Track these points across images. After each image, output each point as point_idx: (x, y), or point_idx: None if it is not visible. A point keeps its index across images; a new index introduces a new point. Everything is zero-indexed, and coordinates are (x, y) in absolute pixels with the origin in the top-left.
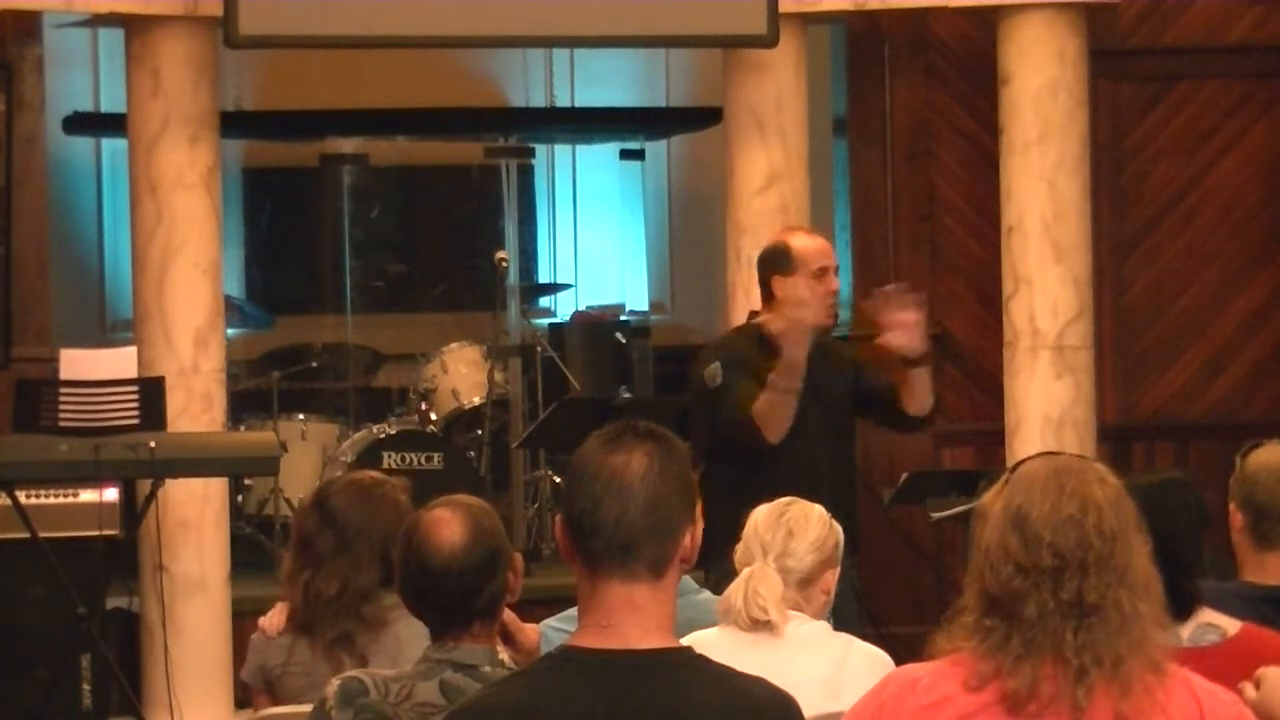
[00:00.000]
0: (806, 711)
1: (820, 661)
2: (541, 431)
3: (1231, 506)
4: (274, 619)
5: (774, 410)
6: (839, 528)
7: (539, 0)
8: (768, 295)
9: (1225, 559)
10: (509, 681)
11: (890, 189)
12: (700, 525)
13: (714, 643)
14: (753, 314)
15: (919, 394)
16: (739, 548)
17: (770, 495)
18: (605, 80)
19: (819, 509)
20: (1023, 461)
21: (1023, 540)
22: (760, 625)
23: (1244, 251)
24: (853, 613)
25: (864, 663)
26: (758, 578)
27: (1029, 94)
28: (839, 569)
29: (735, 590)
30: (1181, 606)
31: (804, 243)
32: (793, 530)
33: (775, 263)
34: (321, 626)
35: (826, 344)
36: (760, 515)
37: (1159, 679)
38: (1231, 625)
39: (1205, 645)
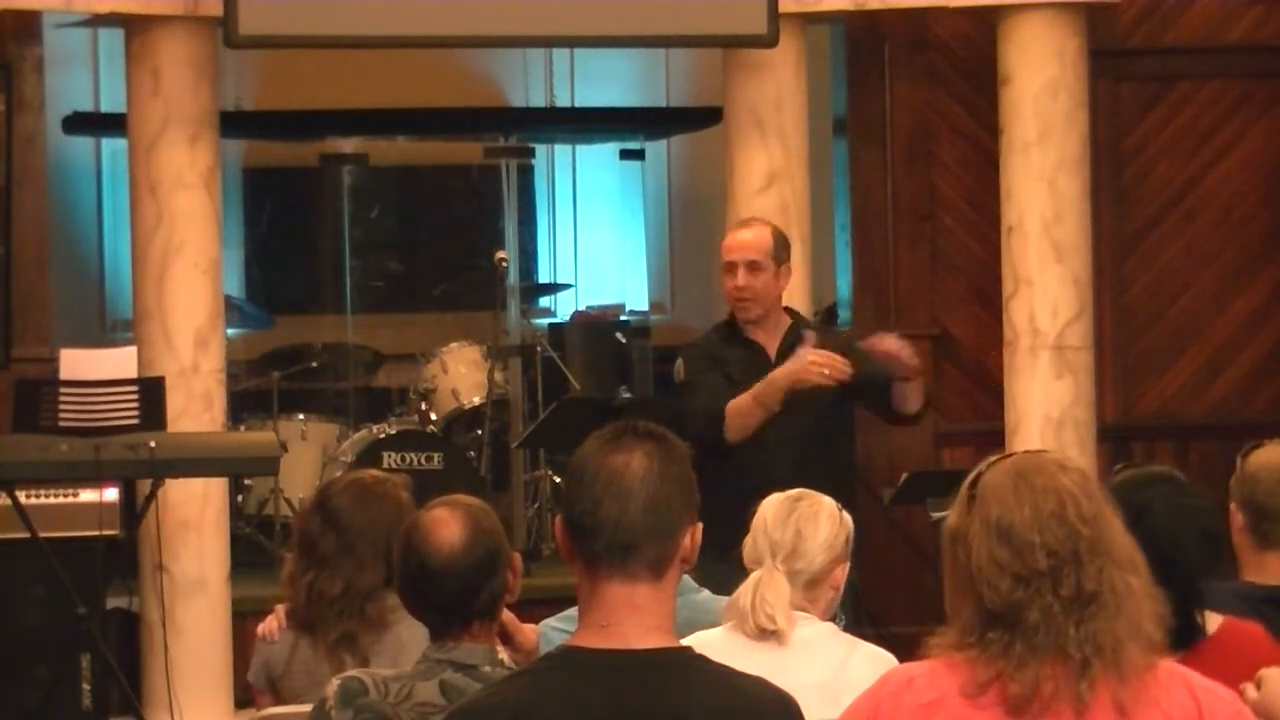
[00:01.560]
0: (805, 717)
1: (821, 666)
2: (541, 431)
3: (1232, 506)
4: (271, 625)
5: (743, 414)
6: (849, 520)
7: (539, 0)
8: None
9: (1228, 560)
10: (509, 681)
11: (890, 189)
12: (700, 525)
13: (715, 644)
14: (731, 311)
15: (910, 400)
16: (746, 541)
17: (742, 490)
18: (605, 80)
19: (829, 503)
20: (976, 478)
21: (1013, 550)
22: (767, 635)
23: (1244, 252)
24: (849, 613)
25: (867, 666)
26: (766, 584)
27: (1029, 94)
28: (849, 563)
29: (744, 594)
30: (1186, 637)
31: (728, 236)
32: (802, 530)
33: None
34: (324, 626)
35: (821, 336)
36: (769, 510)
37: (1154, 662)
38: (1213, 621)
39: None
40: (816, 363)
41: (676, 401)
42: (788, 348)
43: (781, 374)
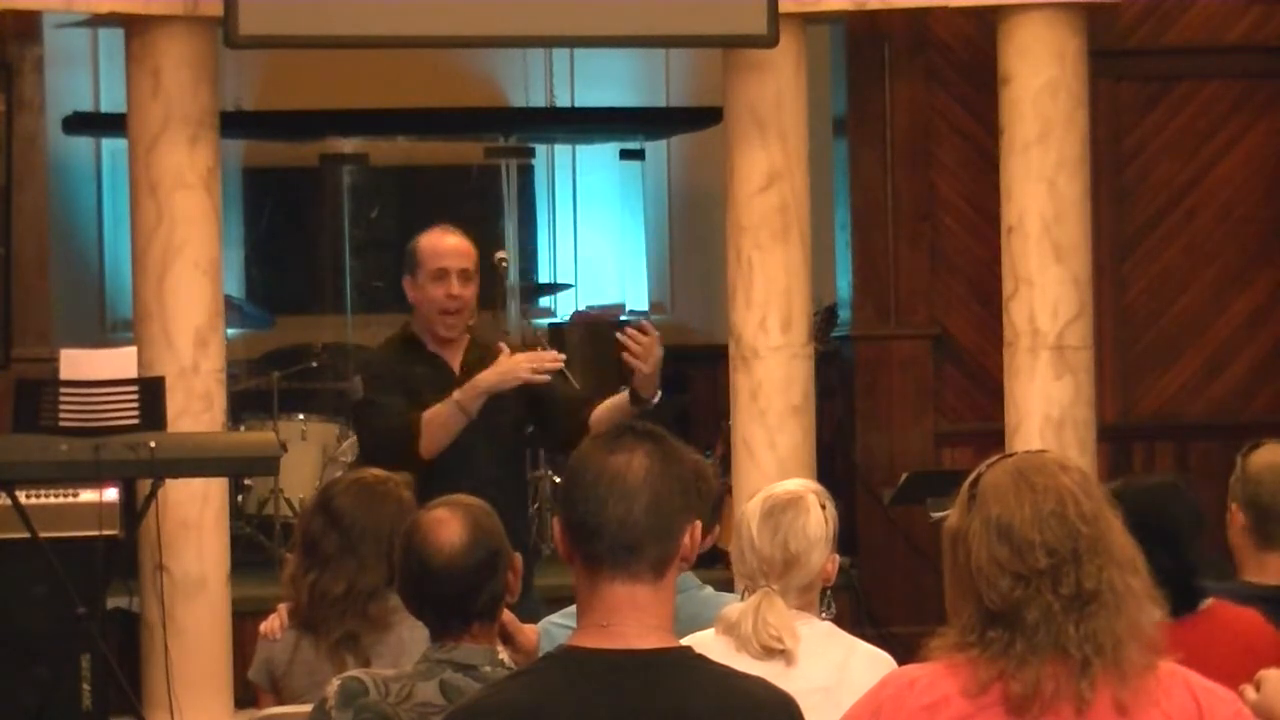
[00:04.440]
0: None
1: (821, 669)
2: None
3: (1233, 507)
4: (274, 623)
5: (443, 424)
6: (832, 509)
7: (539, 0)
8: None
9: (1223, 559)
10: (509, 681)
11: (890, 189)
12: (700, 525)
13: (713, 647)
14: (406, 323)
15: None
16: (733, 550)
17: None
18: (605, 80)
19: (811, 500)
20: (977, 478)
21: (1013, 549)
22: (774, 654)
23: (1244, 251)
24: (850, 614)
25: (866, 667)
26: (766, 608)
27: (1029, 94)
28: (837, 554)
29: (744, 617)
30: (1188, 603)
31: (429, 240)
32: (789, 544)
33: (406, 262)
34: (326, 626)
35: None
36: (753, 522)
37: (1153, 662)
38: (1203, 603)
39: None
40: (523, 362)
41: (360, 421)
42: (473, 362)
43: (486, 377)
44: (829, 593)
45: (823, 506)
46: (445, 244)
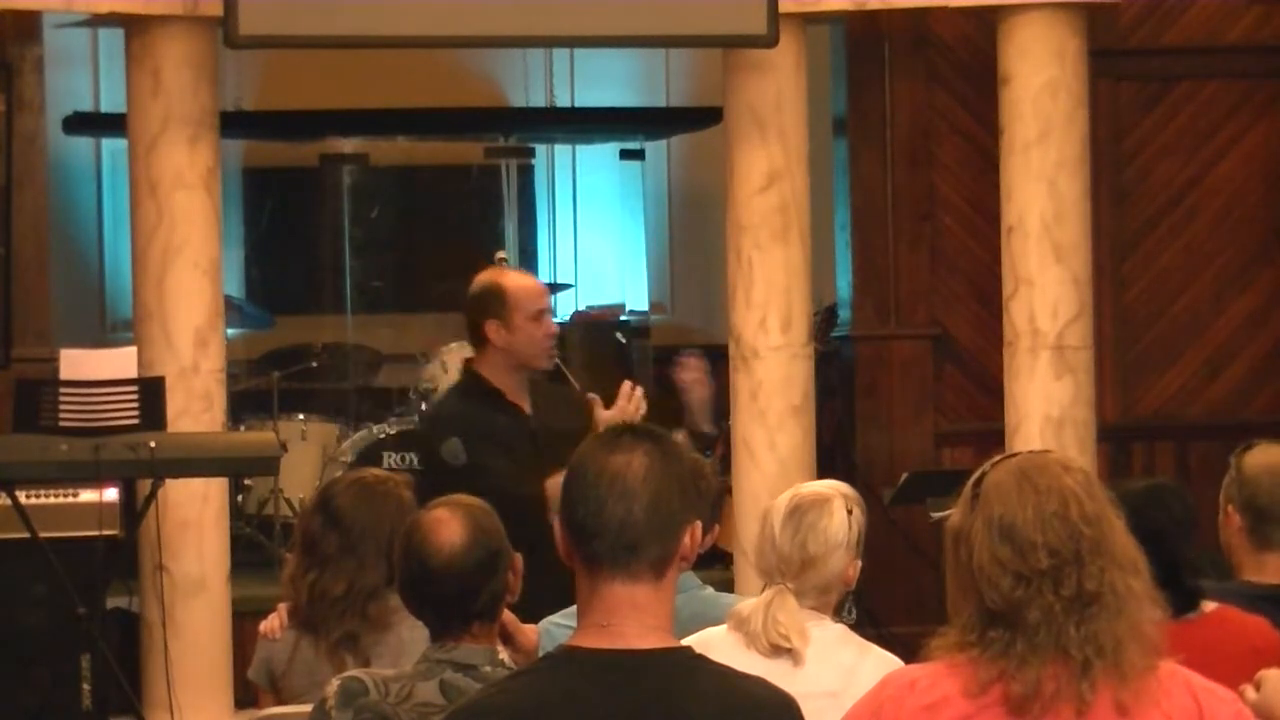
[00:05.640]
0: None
1: (830, 673)
2: None
3: (1229, 509)
4: (273, 623)
5: None
6: (860, 515)
7: (539, 0)
8: (479, 340)
9: (1223, 559)
10: (509, 681)
11: (890, 189)
12: (700, 525)
13: (721, 645)
14: (468, 361)
15: None
16: (755, 545)
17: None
18: (605, 80)
19: (837, 504)
20: (980, 477)
21: (1015, 549)
22: (781, 652)
23: (1244, 251)
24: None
25: (875, 672)
26: (777, 606)
27: (1029, 94)
28: (860, 560)
29: (755, 615)
30: (1185, 602)
31: (519, 283)
32: (808, 545)
33: (488, 306)
34: (326, 626)
35: (554, 388)
36: (776, 518)
37: (1154, 663)
38: (1209, 605)
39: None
40: (633, 413)
41: (463, 483)
42: (541, 404)
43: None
44: (850, 598)
45: (849, 511)
46: (536, 285)
